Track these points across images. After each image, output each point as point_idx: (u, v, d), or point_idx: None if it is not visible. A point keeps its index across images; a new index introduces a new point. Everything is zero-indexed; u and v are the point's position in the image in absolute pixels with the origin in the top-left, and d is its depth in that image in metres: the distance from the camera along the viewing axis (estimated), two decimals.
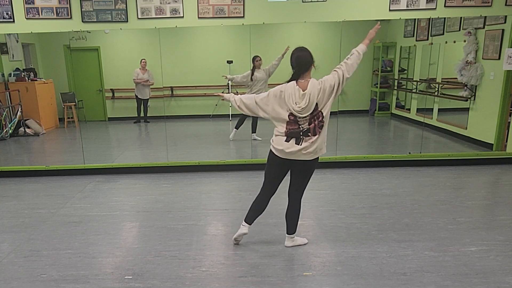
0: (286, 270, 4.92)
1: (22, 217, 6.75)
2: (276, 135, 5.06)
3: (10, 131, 12.78)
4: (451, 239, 5.62)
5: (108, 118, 15.55)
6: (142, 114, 14.92)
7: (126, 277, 4.84)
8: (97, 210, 6.95)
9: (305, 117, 4.87)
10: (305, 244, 5.57)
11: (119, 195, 7.73)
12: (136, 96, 14.76)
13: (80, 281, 4.78)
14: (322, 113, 4.92)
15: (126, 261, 5.20)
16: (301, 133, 4.91)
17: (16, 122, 13.00)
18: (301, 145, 4.93)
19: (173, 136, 12.37)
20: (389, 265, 4.95)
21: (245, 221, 5.49)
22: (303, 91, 4.86)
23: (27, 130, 13.10)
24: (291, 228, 5.49)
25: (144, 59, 14.45)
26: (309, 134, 4.91)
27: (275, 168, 5.20)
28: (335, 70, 5.10)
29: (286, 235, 5.52)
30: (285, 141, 4.95)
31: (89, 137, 13.10)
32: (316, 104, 4.87)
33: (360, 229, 5.97)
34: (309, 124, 4.91)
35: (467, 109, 10.60)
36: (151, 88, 14.64)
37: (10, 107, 13.07)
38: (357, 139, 12.12)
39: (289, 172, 5.28)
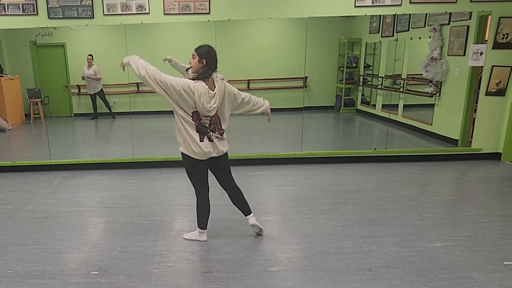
0: (252, 266, 4.93)
1: None
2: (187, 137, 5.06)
3: None
4: (417, 234, 5.66)
5: (74, 114, 15.46)
6: (107, 110, 14.92)
7: (92, 272, 4.84)
8: (63, 206, 6.94)
9: (208, 117, 4.99)
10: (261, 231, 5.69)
11: (85, 191, 7.72)
12: (88, 93, 14.84)
13: (46, 276, 4.77)
14: (219, 118, 5.09)
15: (92, 257, 5.21)
16: (209, 130, 5.02)
17: None
18: (212, 142, 5.05)
19: (139, 132, 12.32)
20: (355, 261, 4.98)
21: (200, 228, 5.55)
22: (212, 90, 4.94)
23: None
24: (246, 210, 5.59)
25: (89, 55, 14.54)
26: (216, 132, 5.06)
27: (198, 169, 5.29)
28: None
29: (246, 217, 5.61)
30: (200, 141, 5.01)
31: (55, 133, 13.02)
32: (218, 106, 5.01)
33: (325, 225, 6.00)
34: (209, 125, 5.04)
35: (432, 105, 10.67)
36: (118, 85, 14.57)
37: None
38: (322, 135, 12.16)
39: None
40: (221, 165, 5.34)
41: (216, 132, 5.05)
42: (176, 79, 4.89)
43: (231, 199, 5.56)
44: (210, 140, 5.03)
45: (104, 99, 14.92)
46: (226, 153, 5.29)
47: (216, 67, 5.03)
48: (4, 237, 5.83)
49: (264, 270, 4.83)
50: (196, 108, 4.89)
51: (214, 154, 5.11)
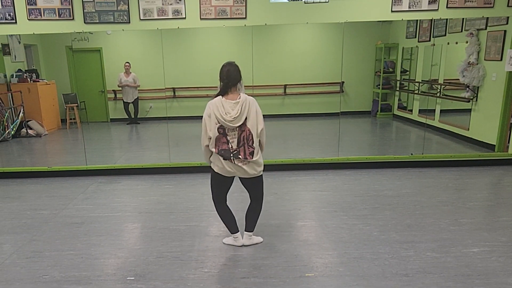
0: (288, 271, 4.91)
1: (24, 218, 6.77)
2: (213, 155, 5.19)
3: (12, 132, 12.80)
4: (453, 240, 5.62)
5: (110, 119, 15.55)
6: (133, 116, 15.08)
7: (128, 278, 4.85)
8: (99, 211, 6.96)
9: (235, 129, 4.99)
10: (260, 243, 5.66)
11: (121, 196, 7.74)
12: (123, 100, 14.93)
13: (82, 282, 4.79)
14: (251, 133, 5.05)
15: (128, 262, 5.22)
16: (231, 155, 5.04)
17: (18, 123, 13.01)
18: (235, 164, 5.08)
19: (175, 137, 12.38)
20: (391, 266, 4.96)
21: (232, 232, 5.60)
22: (232, 100, 4.98)
23: (29, 131, 13.11)
24: (250, 226, 5.60)
25: (127, 62, 14.62)
26: (240, 157, 5.05)
27: (221, 183, 5.35)
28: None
29: (245, 232, 5.62)
30: (224, 159, 5.06)
31: (91, 138, 13.12)
32: (246, 118, 4.99)
33: (362, 230, 5.98)
34: (238, 144, 5.04)
35: (469, 110, 10.60)
36: (154, 90, 14.70)
37: (12, 108, 13.09)
38: (359, 140, 12.12)
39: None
40: (250, 185, 5.37)
41: (241, 156, 5.04)
42: (204, 123, 5.10)
43: (248, 208, 5.59)
44: (233, 163, 5.06)
45: (137, 106, 15.03)
46: (257, 177, 5.29)
47: (236, 81, 5.07)
48: (40, 242, 5.86)
49: (300, 276, 4.82)
50: (219, 123, 4.95)
51: (239, 175, 5.15)
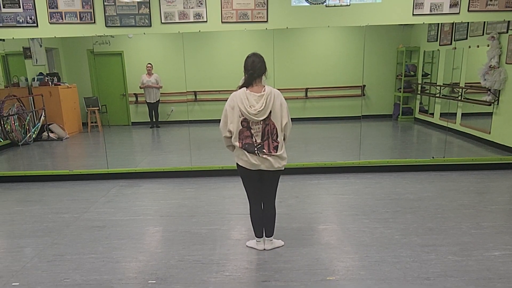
0: (310, 275, 4.91)
1: (45, 221, 6.80)
2: (236, 149, 5.13)
3: (33, 136, 12.85)
4: (475, 243, 5.60)
5: (132, 122, 15.58)
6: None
7: (149, 281, 4.86)
8: (120, 215, 6.98)
9: (259, 122, 4.92)
10: (282, 246, 5.66)
11: (143, 200, 7.75)
12: (146, 101, 14.96)
13: (103, 285, 4.80)
14: (275, 127, 4.99)
15: (149, 266, 5.22)
16: (256, 149, 4.98)
17: (39, 126, 13.06)
18: (259, 156, 5.01)
19: (196, 140, 12.38)
20: (413, 270, 4.94)
21: (256, 236, 5.58)
22: (257, 93, 4.91)
23: (51, 135, 13.17)
24: (269, 232, 5.56)
25: (149, 63, 14.65)
26: (264, 150, 4.99)
27: (248, 178, 5.27)
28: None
29: (265, 238, 5.58)
30: (248, 153, 5.01)
31: (113, 142, 13.16)
32: (270, 111, 4.91)
33: (383, 234, 5.96)
34: (262, 138, 4.98)
35: (490, 114, 10.53)
36: (175, 93, 14.74)
37: (34, 112, 13.14)
38: (380, 144, 12.07)
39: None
40: (269, 180, 5.27)
41: (265, 149, 4.99)
42: (224, 113, 5.07)
43: (262, 217, 5.51)
44: (258, 155, 5.02)
45: (157, 108, 15.08)
46: (279, 170, 5.20)
47: (261, 71, 5.00)
48: (62, 246, 5.88)
49: (322, 279, 4.81)
50: (243, 116, 4.90)
51: (263, 168, 5.06)
